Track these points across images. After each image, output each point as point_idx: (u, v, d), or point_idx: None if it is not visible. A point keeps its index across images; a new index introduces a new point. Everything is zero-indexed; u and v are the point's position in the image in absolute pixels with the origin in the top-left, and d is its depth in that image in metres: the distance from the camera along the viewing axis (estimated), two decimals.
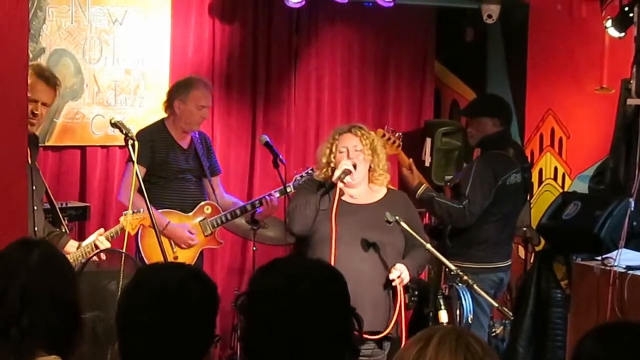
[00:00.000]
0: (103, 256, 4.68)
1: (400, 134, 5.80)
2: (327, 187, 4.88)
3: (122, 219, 4.93)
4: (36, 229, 4.63)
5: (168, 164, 5.82)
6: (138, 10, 6.70)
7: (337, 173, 4.82)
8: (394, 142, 5.73)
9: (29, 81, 4.59)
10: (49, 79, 4.81)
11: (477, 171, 5.71)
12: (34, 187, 4.68)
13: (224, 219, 5.87)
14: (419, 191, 5.67)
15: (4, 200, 3.91)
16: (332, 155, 4.90)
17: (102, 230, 4.92)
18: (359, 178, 4.89)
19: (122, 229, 4.91)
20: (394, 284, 4.78)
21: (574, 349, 2.16)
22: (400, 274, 4.77)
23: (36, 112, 4.71)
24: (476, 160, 5.88)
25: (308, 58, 7.49)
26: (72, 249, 4.74)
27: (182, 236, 5.75)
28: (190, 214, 5.82)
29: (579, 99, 7.06)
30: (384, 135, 5.67)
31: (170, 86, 6.30)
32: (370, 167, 4.92)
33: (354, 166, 4.84)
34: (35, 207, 4.67)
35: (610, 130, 6.53)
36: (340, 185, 4.79)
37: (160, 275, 2.52)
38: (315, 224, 4.84)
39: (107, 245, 4.76)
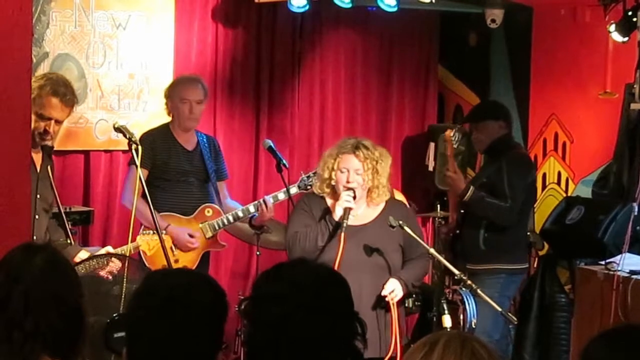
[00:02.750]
0: (110, 272, 4.46)
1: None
2: (331, 228, 4.78)
3: (139, 238, 4.89)
4: (35, 237, 4.48)
5: (169, 165, 5.81)
6: (141, 14, 6.70)
7: (338, 211, 4.75)
8: (456, 145, 5.78)
9: (41, 94, 4.57)
10: (65, 96, 4.66)
11: (509, 171, 5.79)
12: (38, 196, 4.60)
13: (225, 221, 5.83)
14: (468, 193, 5.75)
15: (7, 205, 3.89)
16: (332, 173, 4.86)
17: (109, 248, 4.89)
18: (357, 201, 4.82)
19: (136, 248, 4.87)
20: (386, 299, 4.71)
21: (580, 353, 2.15)
22: (393, 290, 4.71)
23: (49, 129, 4.63)
24: (503, 161, 5.86)
25: (312, 63, 7.48)
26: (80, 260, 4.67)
27: (181, 239, 5.73)
28: (191, 216, 5.81)
29: (583, 103, 7.06)
30: (452, 136, 5.71)
31: None
32: (369, 186, 4.85)
33: (354, 197, 4.76)
34: (37, 216, 4.57)
35: (614, 135, 6.53)
36: (344, 224, 4.69)
37: (168, 282, 2.51)
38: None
39: (117, 264, 4.63)
